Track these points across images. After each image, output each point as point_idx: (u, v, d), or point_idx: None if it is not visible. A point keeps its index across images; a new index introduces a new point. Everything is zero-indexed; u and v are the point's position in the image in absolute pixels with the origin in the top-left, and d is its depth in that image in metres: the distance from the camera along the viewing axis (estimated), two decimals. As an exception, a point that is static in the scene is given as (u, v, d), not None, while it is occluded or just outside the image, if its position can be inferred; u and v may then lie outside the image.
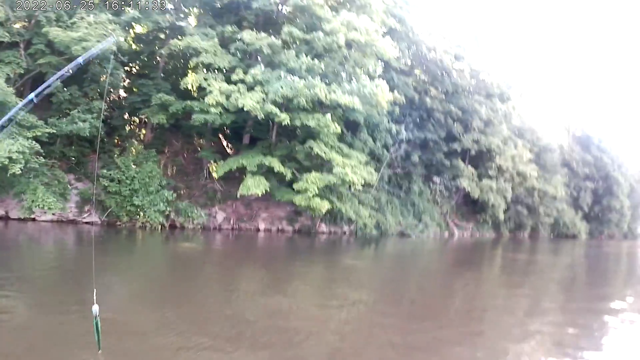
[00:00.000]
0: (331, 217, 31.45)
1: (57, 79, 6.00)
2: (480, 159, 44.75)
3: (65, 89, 23.35)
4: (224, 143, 33.00)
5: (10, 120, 4.77)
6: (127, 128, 29.12)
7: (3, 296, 11.66)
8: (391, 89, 29.08)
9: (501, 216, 46.37)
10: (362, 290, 17.38)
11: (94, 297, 5.07)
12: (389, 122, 33.98)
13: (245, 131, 29.98)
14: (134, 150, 26.76)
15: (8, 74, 19.70)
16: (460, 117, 41.45)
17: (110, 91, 27.54)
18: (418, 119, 38.99)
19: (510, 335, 11.99)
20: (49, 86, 5.69)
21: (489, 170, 43.71)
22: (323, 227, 32.43)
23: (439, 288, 19.01)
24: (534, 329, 12.46)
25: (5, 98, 18.12)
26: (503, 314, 14.55)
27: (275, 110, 24.66)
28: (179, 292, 14.38)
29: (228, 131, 31.94)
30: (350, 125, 32.01)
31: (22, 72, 21.35)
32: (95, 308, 5.09)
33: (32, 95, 5.11)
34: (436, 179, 43.18)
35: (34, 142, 19.17)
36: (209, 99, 24.27)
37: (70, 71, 5.93)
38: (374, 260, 26.81)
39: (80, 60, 6.13)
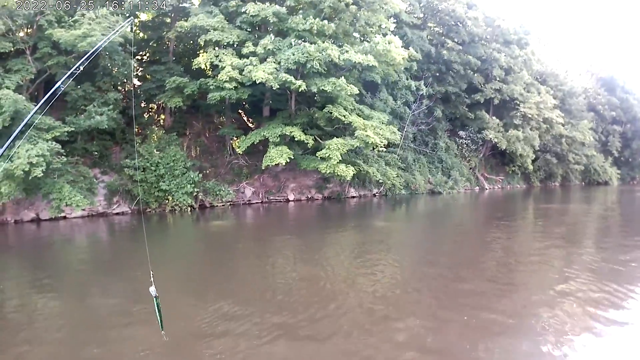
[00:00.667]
0: (359, 180, 31.13)
1: (81, 64, 5.89)
2: (504, 109, 43.74)
3: (79, 86, 23.32)
4: (245, 118, 32.82)
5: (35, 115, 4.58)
6: (146, 116, 28.99)
7: (61, 290, 11.91)
8: (406, 45, 28.34)
9: (530, 166, 45.59)
10: (395, 250, 17.24)
11: (152, 280, 4.99)
12: (407, 78, 33.25)
13: (264, 104, 29.72)
14: (155, 137, 26.68)
15: (18, 82, 19.64)
16: (479, 67, 40.44)
17: (124, 82, 27.41)
18: (437, 73, 38.09)
19: (547, 287, 11.77)
20: (74, 73, 5.69)
21: (514, 119, 42.66)
22: (352, 192, 32.21)
23: (474, 243, 18.77)
24: (570, 280, 12.17)
25: (17, 106, 18.06)
26: (539, 266, 14.29)
27: (290, 78, 24.27)
28: (218, 268, 14.50)
29: (247, 106, 31.69)
30: (369, 86, 31.41)
31: (33, 77, 21.31)
32: (153, 290, 4.93)
33: (59, 83, 5.09)
34: (462, 133, 42.37)
35: (53, 143, 19.09)
36: (221, 75, 24.03)
37: (77, 71, 5.74)
38: (405, 220, 26.56)
39: (100, 44, 6.21)
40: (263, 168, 26.78)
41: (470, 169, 42.49)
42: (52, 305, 10.96)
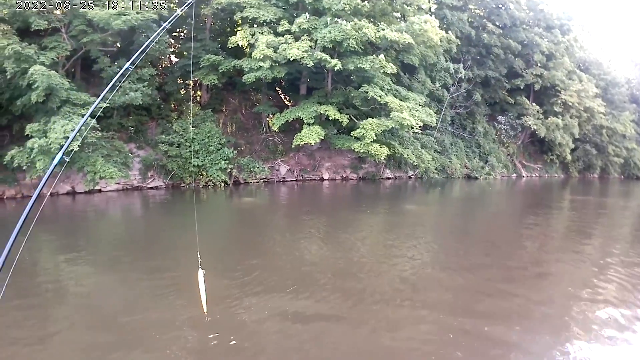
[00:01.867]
0: (395, 162, 30.76)
1: (154, 38, 5.95)
2: (544, 95, 42.50)
3: (115, 62, 23.46)
4: (282, 96, 32.74)
5: (104, 100, 4.41)
6: (182, 92, 29.08)
7: (99, 263, 11.91)
8: (446, 27, 27.66)
9: (569, 156, 44.32)
10: (427, 234, 16.97)
11: (199, 259, 4.91)
12: (446, 61, 32.49)
13: (302, 82, 29.57)
14: (191, 113, 26.73)
15: (53, 59, 19.77)
16: (520, 51, 39.25)
17: (160, 58, 27.47)
18: (477, 56, 37.16)
19: (577, 281, 11.42)
20: (144, 51, 5.56)
21: (554, 106, 41.37)
22: (388, 173, 31.90)
23: (508, 231, 18.39)
24: (602, 275, 11.78)
25: (51, 82, 18.21)
26: (572, 259, 13.85)
27: (325, 56, 24.06)
28: (252, 244, 14.51)
29: (284, 84, 31.62)
30: (407, 68, 30.87)
31: (68, 54, 21.48)
32: (201, 271, 4.87)
33: (127, 65, 4.96)
34: (501, 118, 41.31)
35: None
36: (255, 53, 23.90)
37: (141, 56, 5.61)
38: (439, 204, 26.22)
39: (166, 25, 6.11)
40: (293, 146, 26.72)
41: (508, 155, 41.47)
42: (87, 274, 11.04)
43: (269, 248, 13.97)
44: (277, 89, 32.54)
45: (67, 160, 3.98)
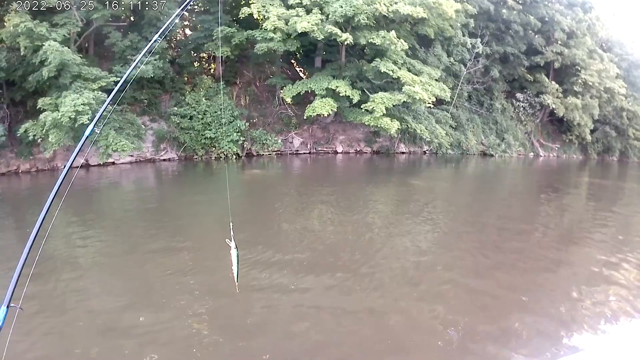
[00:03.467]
0: (410, 137, 30.40)
1: (178, 14, 5.72)
2: (564, 74, 41.41)
3: (128, 34, 23.48)
4: (297, 69, 32.61)
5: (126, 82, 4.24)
6: (196, 65, 29.01)
7: (111, 231, 12.22)
8: (465, 1, 27.02)
9: (588, 137, 43.29)
10: (440, 209, 16.85)
11: (231, 231, 4.67)
12: (463, 35, 31.86)
13: (317, 55, 29.40)
14: (204, 86, 26.68)
15: (65, 35, 19.88)
16: (540, 28, 38.23)
17: (175, 32, 27.40)
18: (497, 32, 36.37)
19: (592, 267, 11.02)
20: (169, 25, 5.40)
21: (574, 86, 40.32)
22: (402, 147, 31.60)
23: (522, 211, 18.05)
24: (619, 261, 11.35)
25: (63, 57, 18.42)
26: (588, 244, 13.50)
27: (336, 30, 23.82)
28: (265, 214, 14.58)
29: (299, 56, 31.52)
30: (424, 41, 30.38)
31: (79, 30, 21.58)
32: (233, 243, 4.65)
33: (156, 37, 5.02)
34: (519, 95, 40.37)
35: (99, 92, 19.50)
36: (266, 25, 23.83)
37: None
38: (453, 180, 26.00)
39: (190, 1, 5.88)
40: (305, 118, 26.56)
41: (526, 133, 40.67)
42: (103, 242, 11.29)
43: (278, 217, 14.03)
44: (293, 61, 32.46)
45: (98, 132, 3.97)
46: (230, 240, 4.66)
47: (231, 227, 4.75)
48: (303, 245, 11.22)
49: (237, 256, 4.71)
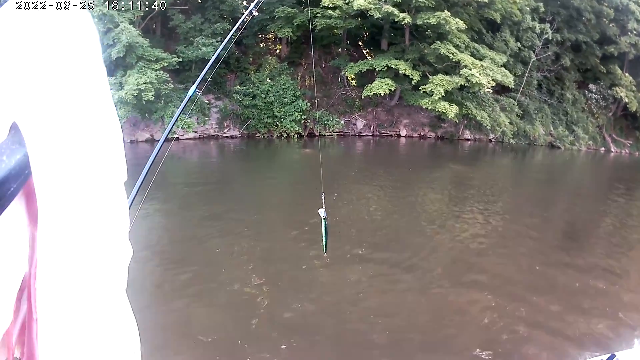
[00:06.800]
0: (476, 123, 29.62)
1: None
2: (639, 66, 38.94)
3: (193, 16, 24.51)
4: (364, 51, 32.63)
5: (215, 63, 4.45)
6: (262, 45, 29.70)
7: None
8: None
9: (664, 134, 40.45)
10: (499, 203, 16.33)
11: (323, 202, 4.81)
12: (532, 20, 30.67)
13: (382, 37, 29.33)
14: (268, 66, 27.30)
15: (130, 19, 21.34)
16: (613, 18, 36.07)
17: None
18: (568, 18, 34.72)
19: None
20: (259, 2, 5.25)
21: (649, 79, 37.88)
22: (467, 134, 30.90)
23: (587, 213, 16.82)
24: None
25: (131, 39, 20.01)
26: None
27: (393, 10, 23.73)
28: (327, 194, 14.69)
29: (366, 38, 31.76)
30: (491, 25, 29.66)
31: (142, 14, 22.92)
32: (323, 212, 4.77)
33: (252, 8, 4.90)
34: (592, 86, 38.25)
35: (161, 72, 21.00)
36: (324, 1, 24.11)
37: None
38: (517, 172, 24.97)
39: None
40: (363, 97, 26.73)
41: (597, 127, 38.52)
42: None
43: (342, 199, 14.23)
44: (360, 43, 32.71)
45: (199, 93, 4.19)
46: (322, 208, 4.77)
47: (322, 198, 4.91)
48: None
49: (327, 227, 4.86)
